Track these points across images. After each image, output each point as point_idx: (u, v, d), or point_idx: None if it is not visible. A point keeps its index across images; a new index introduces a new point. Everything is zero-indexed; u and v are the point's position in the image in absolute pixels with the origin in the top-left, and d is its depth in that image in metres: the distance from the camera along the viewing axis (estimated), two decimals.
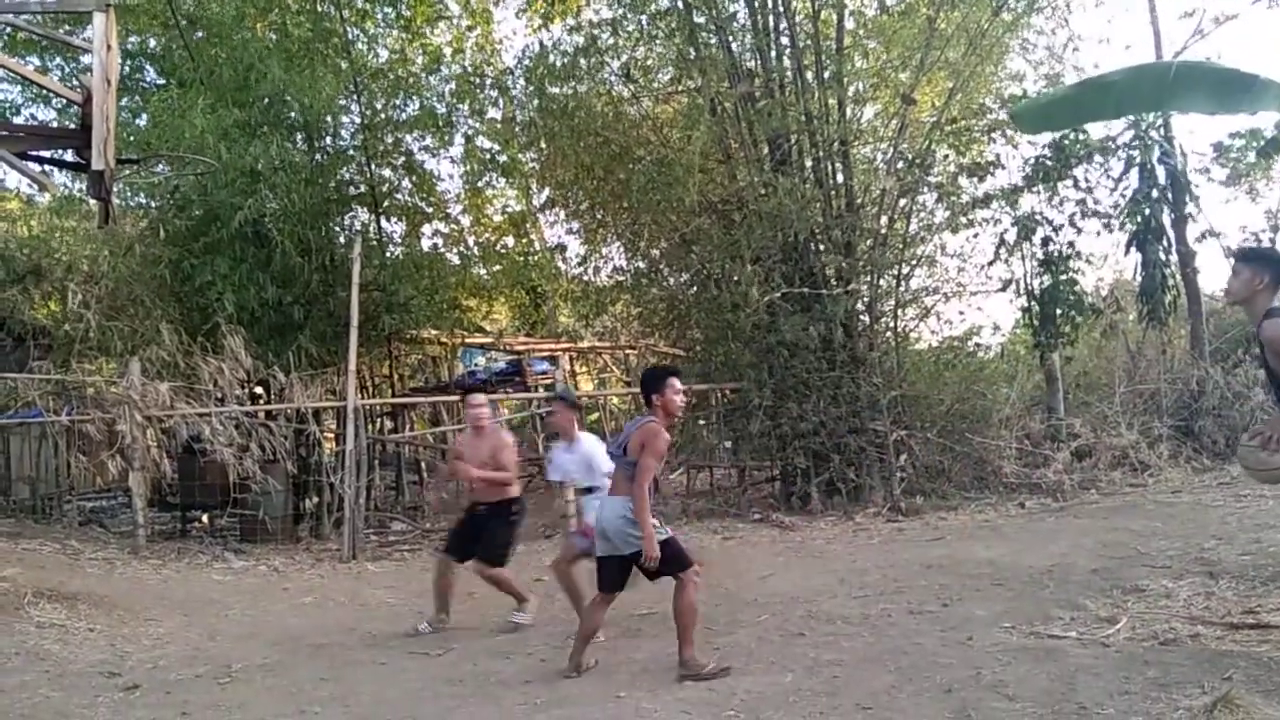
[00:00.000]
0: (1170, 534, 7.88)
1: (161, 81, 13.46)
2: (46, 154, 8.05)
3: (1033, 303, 12.45)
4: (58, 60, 13.35)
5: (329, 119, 13.45)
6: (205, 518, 11.89)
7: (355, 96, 13.78)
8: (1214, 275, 16.16)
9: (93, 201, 9.03)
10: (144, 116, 12.80)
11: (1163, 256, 12.54)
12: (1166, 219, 12.58)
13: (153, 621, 7.17)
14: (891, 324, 12.75)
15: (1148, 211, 12.31)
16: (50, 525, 11.23)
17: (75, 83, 10.42)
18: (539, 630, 6.61)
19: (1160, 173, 12.38)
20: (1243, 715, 3.81)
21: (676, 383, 5.52)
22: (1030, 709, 4.30)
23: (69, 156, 7.76)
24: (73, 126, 7.78)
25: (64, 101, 11.84)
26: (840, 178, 12.43)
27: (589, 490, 6.55)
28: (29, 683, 5.51)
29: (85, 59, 12.07)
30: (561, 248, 15.57)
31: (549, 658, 5.85)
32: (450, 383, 18.62)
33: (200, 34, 12.94)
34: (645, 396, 5.53)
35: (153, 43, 13.82)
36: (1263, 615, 5.33)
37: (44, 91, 12.18)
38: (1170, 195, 12.52)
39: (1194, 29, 13.50)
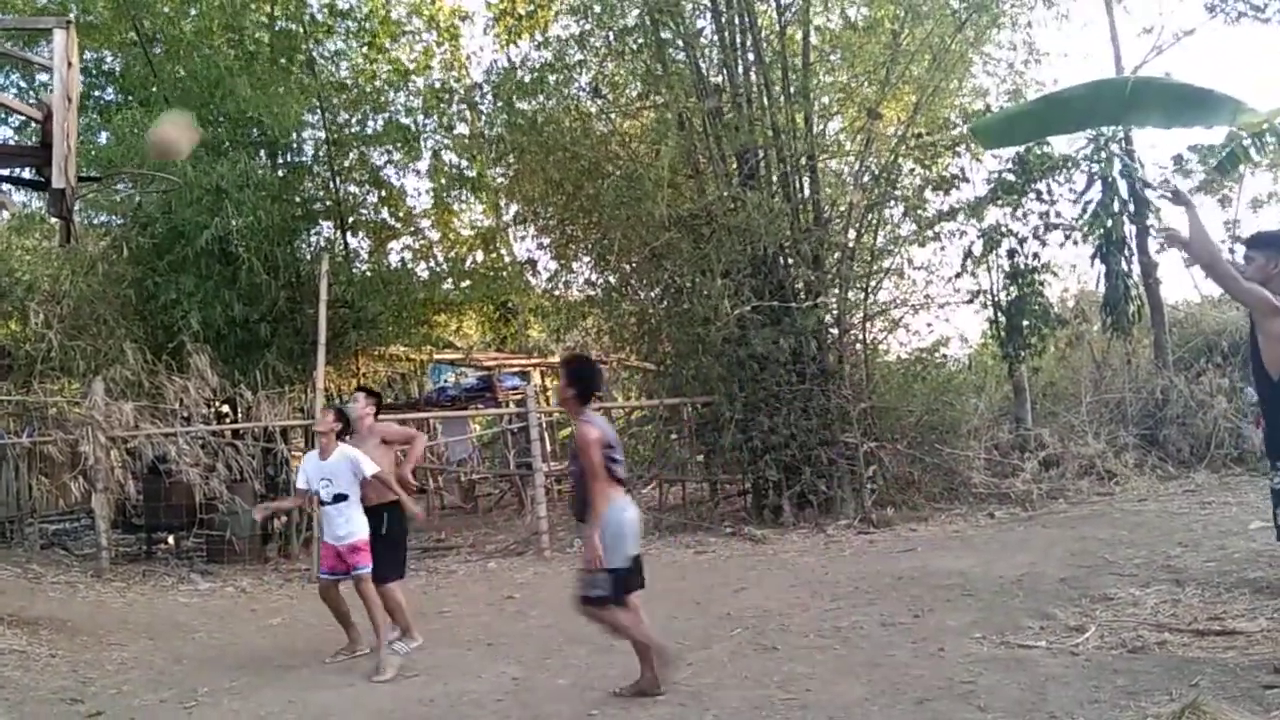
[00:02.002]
0: (1137, 542, 7.97)
1: (117, 98, 13.32)
2: (5, 172, 7.94)
3: (1000, 314, 12.58)
4: (14, 78, 13.17)
5: (294, 135, 13.38)
6: (171, 539, 11.71)
7: (320, 112, 13.72)
8: (1176, 286, 16.42)
9: (54, 220, 8.90)
10: (103, 134, 12.67)
11: (1125, 268, 12.74)
12: (1129, 231, 12.77)
13: (116, 646, 7.05)
14: (861, 336, 12.82)
15: (1110, 224, 12.50)
16: (11, 549, 11.01)
17: (34, 99, 10.29)
18: (513, 648, 6.55)
19: (1122, 185, 12.58)
20: None
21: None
22: (1001, 719, 4.32)
23: (28, 174, 7.65)
24: (29, 144, 7.68)
25: (22, 119, 11.69)
26: (808, 192, 12.51)
27: (341, 499, 6.44)
28: None
29: (42, 77, 11.93)
30: (531, 263, 15.54)
31: (520, 676, 5.81)
32: (420, 399, 18.53)
33: (159, 50, 12.84)
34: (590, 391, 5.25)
35: (109, 59, 13.67)
36: (1228, 621, 5.39)
37: (1, 111, 12.02)
38: (1132, 207, 12.72)
39: (1152, 45, 13.79)
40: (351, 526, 6.45)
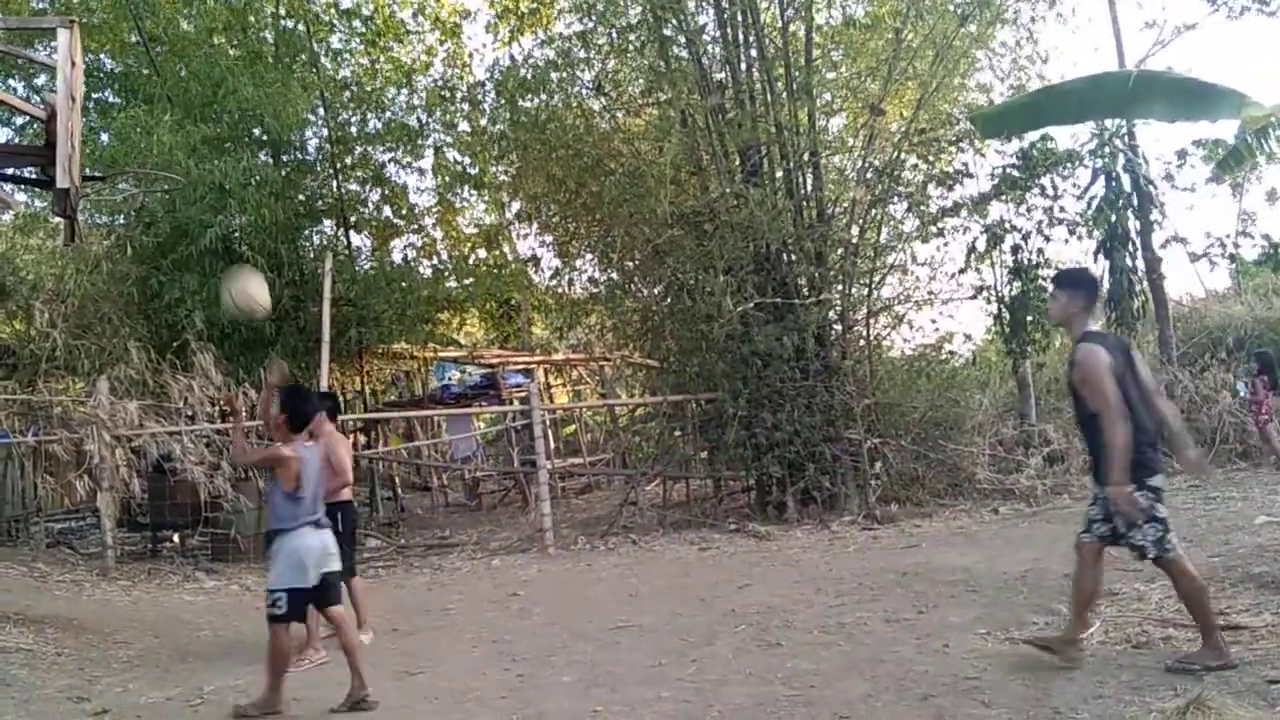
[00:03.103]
0: None
1: (116, 100, 13.34)
2: (10, 171, 7.95)
3: (1004, 310, 12.56)
4: (10, 81, 13.18)
5: (297, 133, 13.40)
6: (176, 537, 11.73)
7: (323, 110, 13.74)
8: (1180, 281, 16.45)
9: (58, 219, 8.92)
10: (104, 135, 12.70)
11: (1129, 263, 12.71)
12: (1132, 226, 12.75)
13: (122, 644, 7.06)
14: (864, 333, 12.81)
15: (1114, 219, 12.47)
16: (17, 548, 11.04)
17: (39, 101, 10.31)
18: (518, 645, 6.56)
19: (1125, 180, 12.55)
20: (1214, 717, 3.84)
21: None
22: (1006, 714, 4.31)
23: (31, 174, 7.66)
24: (34, 144, 7.69)
25: (23, 121, 11.71)
26: (811, 188, 12.49)
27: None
28: None
29: (39, 79, 11.95)
30: (535, 260, 15.55)
31: (525, 673, 5.81)
32: (424, 397, 18.55)
33: (159, 48, 12.85)
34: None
35: (107, 61, 13.67)
36: (1233, 617, 5.38)
37: (3, 114, 12.05)
38: (1135, 202, 12.70)
39: (1155, 39, 13.77)
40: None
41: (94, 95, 13.24)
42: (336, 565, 5.46)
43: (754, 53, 12.36)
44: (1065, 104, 5.54)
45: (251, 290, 6.55)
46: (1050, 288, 5.14)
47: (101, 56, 13.54)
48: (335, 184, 14.28)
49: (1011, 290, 12.47)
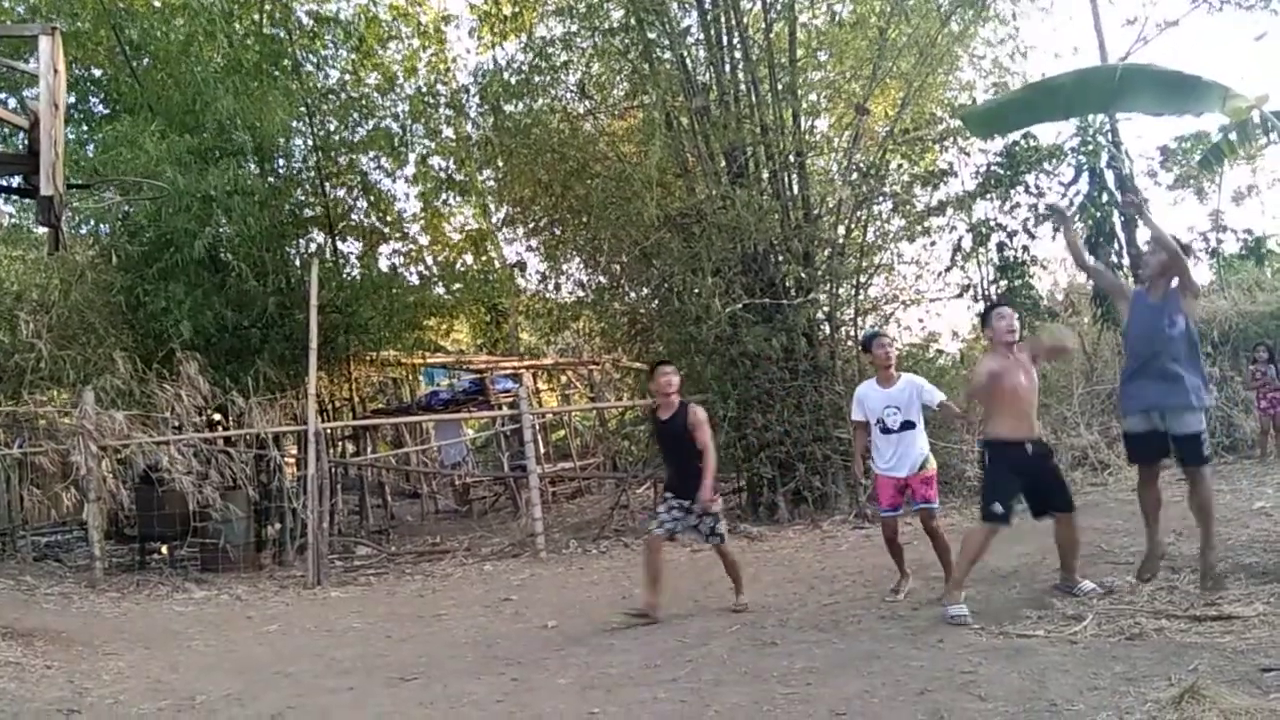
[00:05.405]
0: (1132, 531, 7.97)
1: (106, 111, 13.25)
2: None
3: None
4: (4, 95, 13.06)
5: (281, 142, 13.33)
6: (164, 548, 11.66)
7: (307, 118, 13.68)
8: None
9: (42, 229, 8.86)
10: (91, 146, 12.60)
11: (1114, 259, 12.78)
12: (1117, 222, 12.82)
13: (112, 656, 7.00)
14: (852, 332, 12.83)
15: (1098, 215, 12.54)
16: (3, 561, 10.96)
17: (19, 108, 10.22)
18: (512, 649, 6.53)
19: (1109, 176, 12.62)
20: (1209, 705, 3.86)
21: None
22: (1003, 708, 4.32)
23: (11, 183, 7.60)
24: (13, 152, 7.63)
25: (8, 132, 11.61)
26: (797, 189, 12.52)
27: None
28: None
29: (31, 92, 11.83)
30: (521, 265, 15.55)
31: (520, 677, 5.79)
32: (413, 404, 18.50)
33: (147, 61, 12.77)
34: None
35: (78, 71, 13.55)
36: (1224, 607, 5.41)
37: None
38: (1120, 198, 12.77)
39: (1137, 35, 13.88)
40: None
41: (83, 105, 13.15)
42: None
43: (738, 54, 12.39)
44: (1055, 99, 5.56)
45: None
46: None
47: (80, 67, 13.43)
48: (322, 191, 14.23)
49: (998, 288, 12.52)
